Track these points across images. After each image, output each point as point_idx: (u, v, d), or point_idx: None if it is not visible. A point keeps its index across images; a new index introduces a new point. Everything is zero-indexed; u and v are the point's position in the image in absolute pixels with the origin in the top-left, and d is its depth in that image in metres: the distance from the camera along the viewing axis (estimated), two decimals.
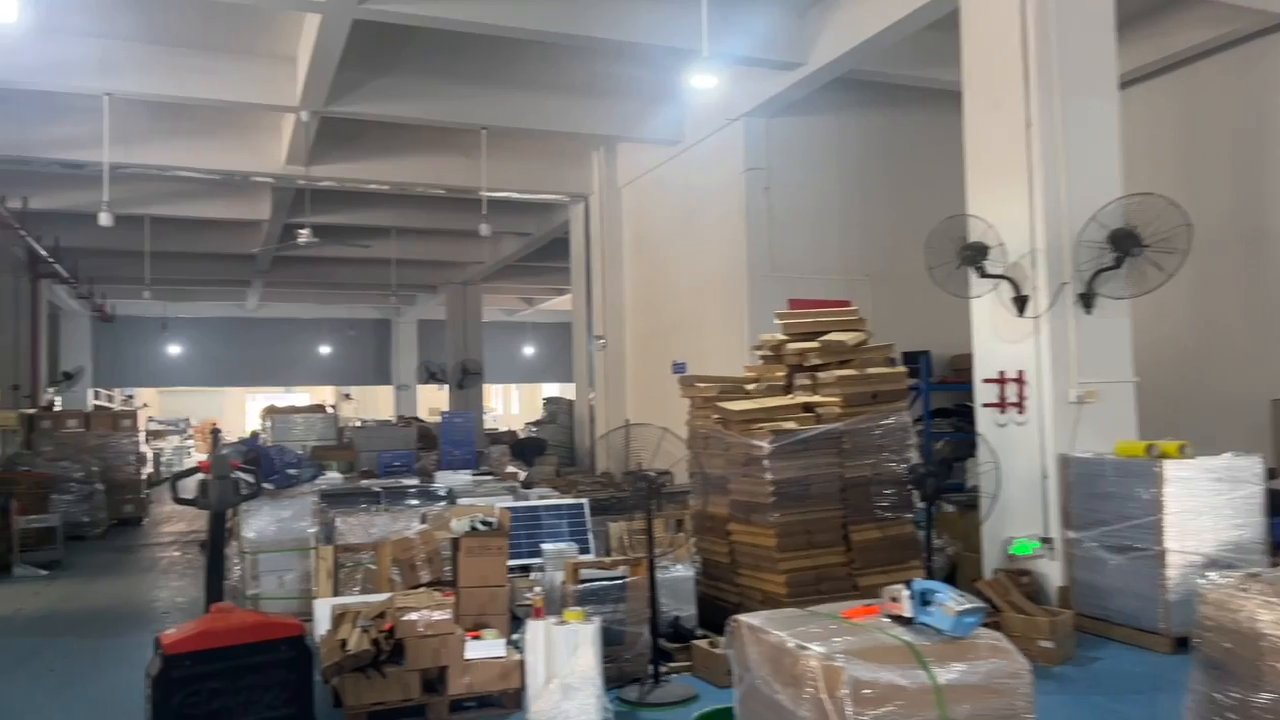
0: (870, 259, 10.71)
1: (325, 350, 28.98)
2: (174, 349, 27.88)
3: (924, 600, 3.06)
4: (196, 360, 28.38)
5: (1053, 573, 6.49)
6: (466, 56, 10.48)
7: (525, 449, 13.49)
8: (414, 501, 8.62)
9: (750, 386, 6.75)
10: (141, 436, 15.98)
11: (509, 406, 38.43)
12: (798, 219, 10.55)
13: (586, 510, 7.52)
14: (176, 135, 12.21)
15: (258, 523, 7.32)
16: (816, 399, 6.23)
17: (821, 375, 6.33)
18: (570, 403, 15.45)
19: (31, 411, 15.63)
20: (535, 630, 5.03)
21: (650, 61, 10.30)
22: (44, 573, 10.53)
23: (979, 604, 3.02)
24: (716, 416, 6.41)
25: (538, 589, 5.47)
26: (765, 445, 5.96)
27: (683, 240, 11.88)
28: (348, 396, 32.47)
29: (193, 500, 5.56)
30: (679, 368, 11.76)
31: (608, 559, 5.87)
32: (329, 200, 15.36)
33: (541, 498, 9.37)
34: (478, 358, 21.05)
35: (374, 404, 33.58)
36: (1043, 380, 6.54)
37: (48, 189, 14.39)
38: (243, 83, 10.30)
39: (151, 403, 33.06)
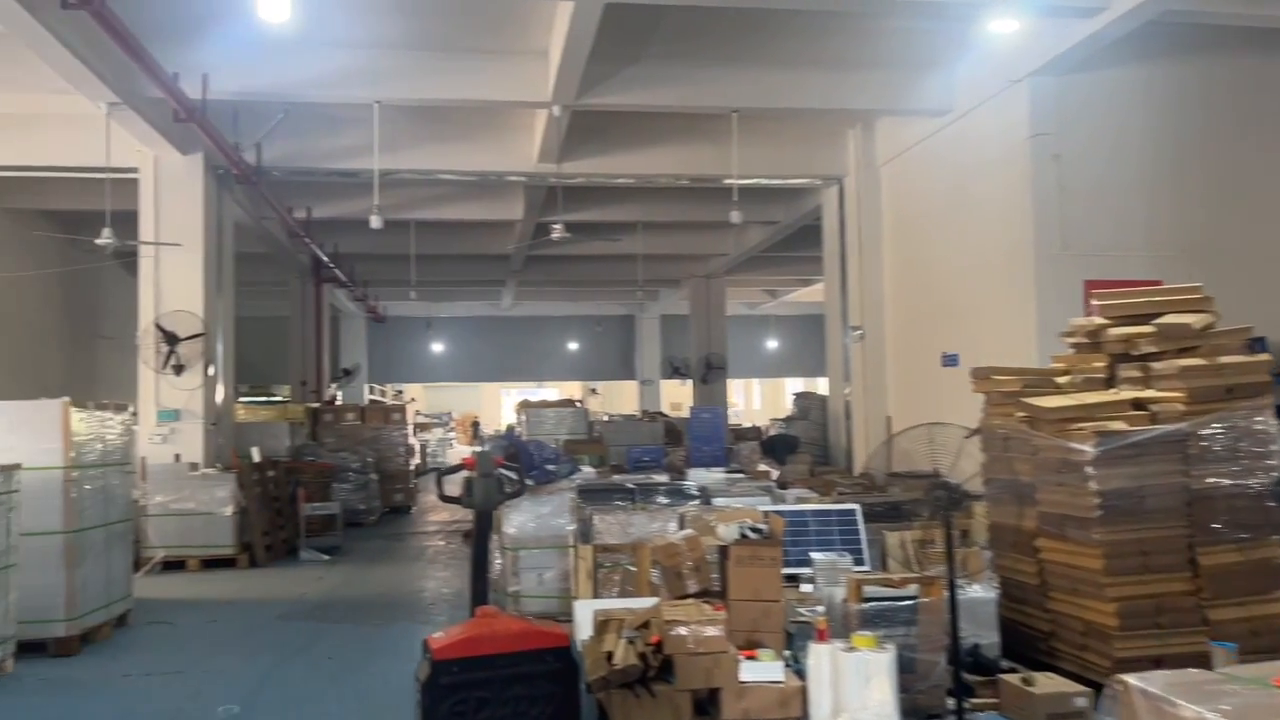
0: (1185, 232, 9.19)
1: (573, 346, 29.78)
2: (437, 346, 29.64)
3: None
4: (457, 356, 30.02)
5: None
6: (716, 37, 10.03)
7: (776, 446, 12.91)
8: (665, 499, 8.25)
9: (1062, 380, 5.79)
10: (410, 429, 16.87)
11: (750, 401, 37.96)
12: (1094, 190, 9.24)
13: (859, 517, 6.82)
14: (436, 140, 12.64)
15: (518, 518, 7.22)
16: (1150, 394, 5.20)
17: (1157, 366, 5.28)
18: (823, 398, 14.69)
19: (315, 405, 16.93)
20: (820, 655, 4.44)
21: (924, 17, 9.39)
22: (325, 558, 11.18)
23: None
24: (1023, 414, 5.52)
25: (820, 608, 4.86)
26: (1088, 449, 5.02)
27: (953, 220, 10.82)
28: (594, 391, 33.25)
29: (458, 498, 5.42)
30: (949, 360, 10.72)
31: (895, 575, 5.17)
32: (577, 197, 15.47)
33: (800, 500, 8.76)
34: (721, 352, 20.69)
35: (618, 398, 34.24)
36: None
37: (327, 198, 15.42)
38: (498, 81, 10.40)
39: (418, 397, 35.45)
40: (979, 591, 5.45)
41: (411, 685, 4.34)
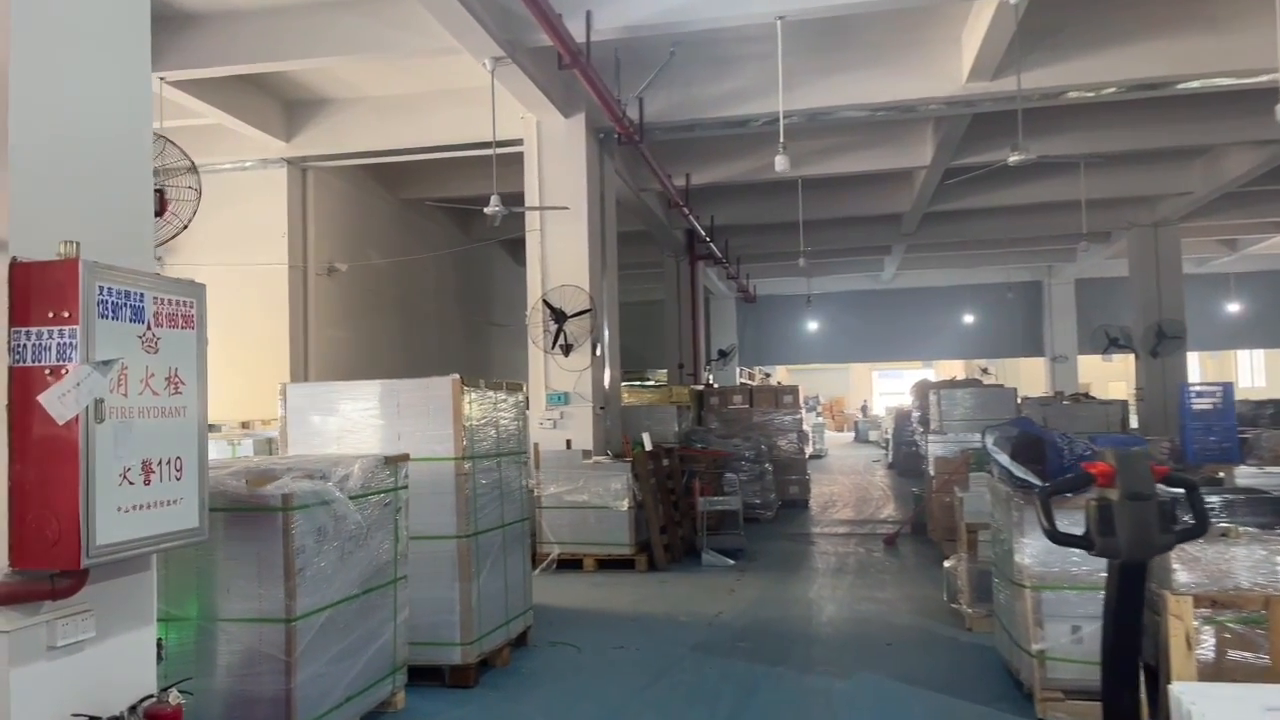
0: None
1: (962, 320, 26.43)
2: (808, 325, 27.81)
3: None
4: (830, 336, 27.97)
5: None
6: None
7: None
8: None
9: None
10: (803, 413, 15.06)
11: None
12: None
13: None
14: (839, 70, 10.64)
15: (1037, 543, 4.94)
16: None
17: None
18: None
19: (700, 388, 15.68)
20: None
21: None
22: (730, 563, 9.62)
23: None
24: None
25: None
26: None
27: None
28: (985, 371, 29.56)
29: (1084, 539, 3.21)
30: None
31: None
32: (996, 132, 12.74)
33: None
34: (1177, 317, 16.61)
35: (1013, 378, 30.20)
36: None
37: (706, 162, 14.08)
38: None
39: (782, 381, 33.95)
40: None
41: None
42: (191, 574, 4.23)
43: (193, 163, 4.75)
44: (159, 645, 3.94)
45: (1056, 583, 4.90)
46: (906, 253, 21.24)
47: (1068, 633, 4.85)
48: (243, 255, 12.15)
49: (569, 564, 9.38)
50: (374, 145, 12.00)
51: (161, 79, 9.62)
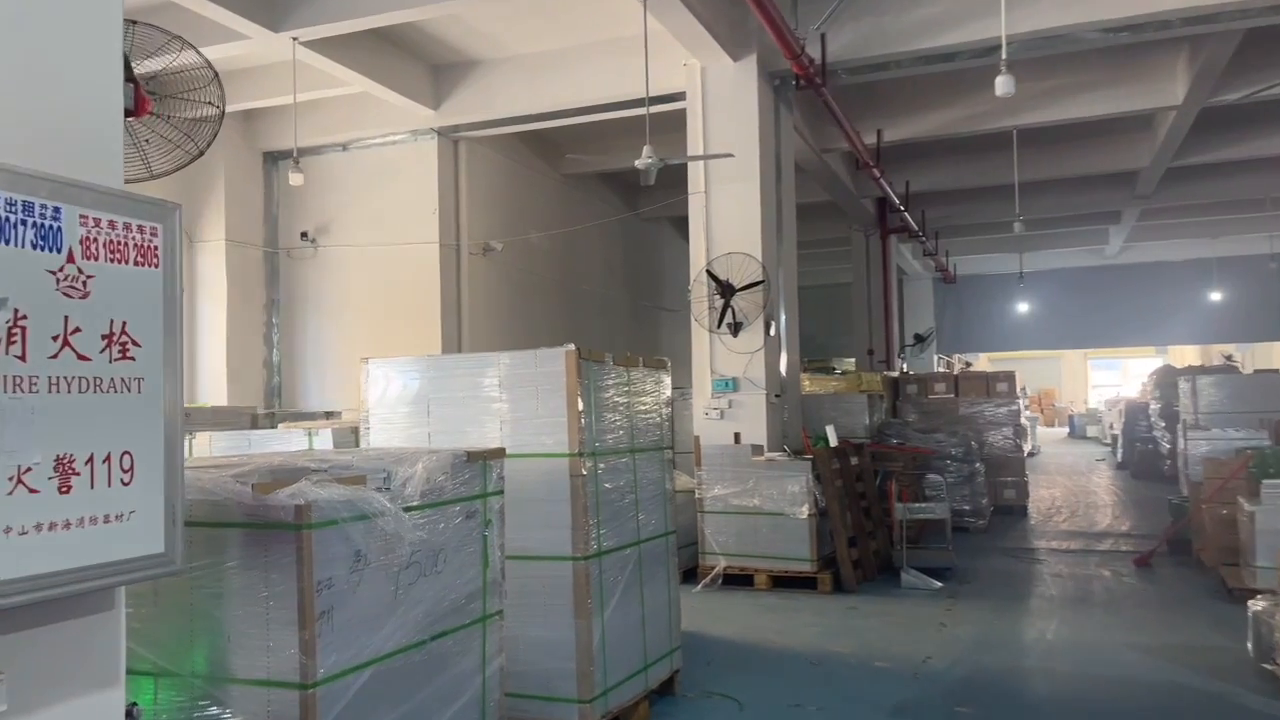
0: None
1: (1206, 299, 22.83)
2: (1018, 308, 24.95)
3: None
4: (1040, 319, 25.00)
5: None
6: None
7: None
8: None
9: None
10: (1021, 405, 12.88)
11: None
12: None
13: None
14: None
15: None
16: None
17: None
18: None
19: (895, 375, 13.79)
20: None
21: None
22: (936, 585, 7.84)
23: None
24: None
25: None
26: None
27: None
28: (1229, 359, 25.60)
29: None
30: None
31: None
32: (1270, 60, 10.21)
33: None
34: None
35: (1263, 366, 26.07)
36: None
37: (898, 116, 12.21)
38: None
39: (983, 370, 30.97)
40: None
41: None
42: (185, 614, 3.08)
43: (215, 72, 3.63)
44: (129, 714, 2.77)
45: None
46: (1139, 220, 18.31)
47: None
48: (394, 234, 11.42)
49: (736, 580, 7.92)
50: (526, 108, 10.92)
51: (294, 39, 8.89)
